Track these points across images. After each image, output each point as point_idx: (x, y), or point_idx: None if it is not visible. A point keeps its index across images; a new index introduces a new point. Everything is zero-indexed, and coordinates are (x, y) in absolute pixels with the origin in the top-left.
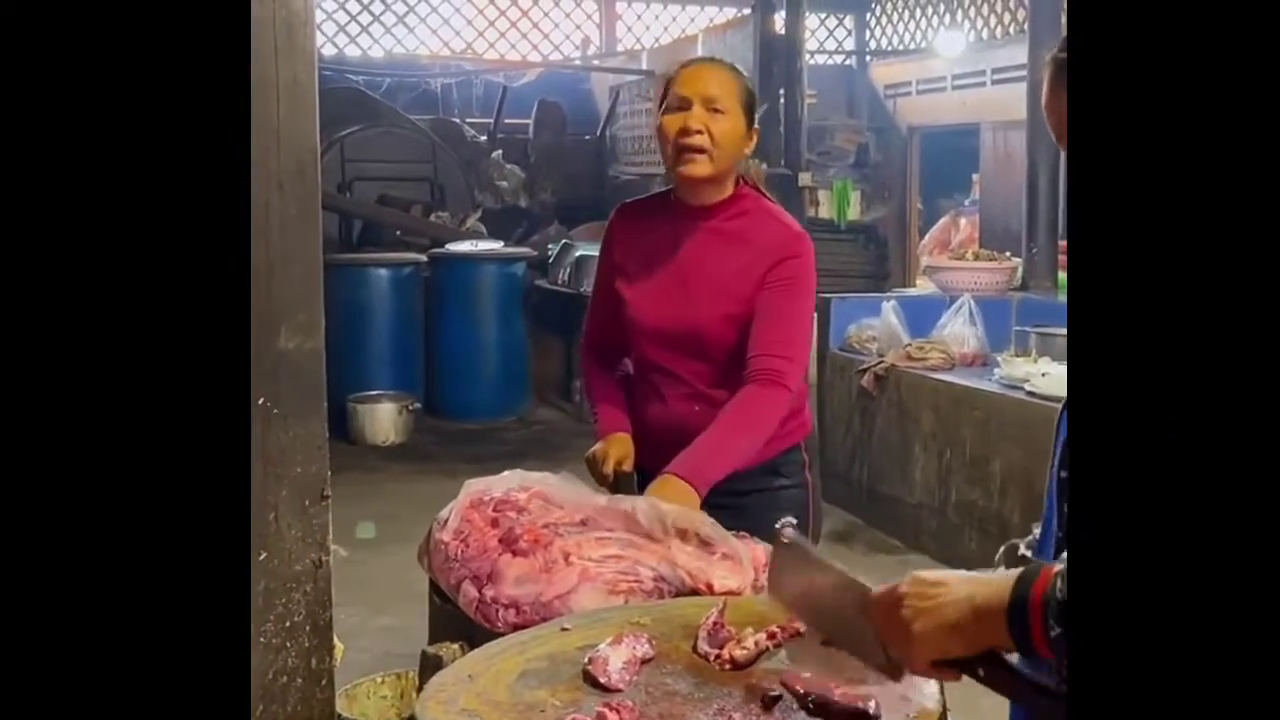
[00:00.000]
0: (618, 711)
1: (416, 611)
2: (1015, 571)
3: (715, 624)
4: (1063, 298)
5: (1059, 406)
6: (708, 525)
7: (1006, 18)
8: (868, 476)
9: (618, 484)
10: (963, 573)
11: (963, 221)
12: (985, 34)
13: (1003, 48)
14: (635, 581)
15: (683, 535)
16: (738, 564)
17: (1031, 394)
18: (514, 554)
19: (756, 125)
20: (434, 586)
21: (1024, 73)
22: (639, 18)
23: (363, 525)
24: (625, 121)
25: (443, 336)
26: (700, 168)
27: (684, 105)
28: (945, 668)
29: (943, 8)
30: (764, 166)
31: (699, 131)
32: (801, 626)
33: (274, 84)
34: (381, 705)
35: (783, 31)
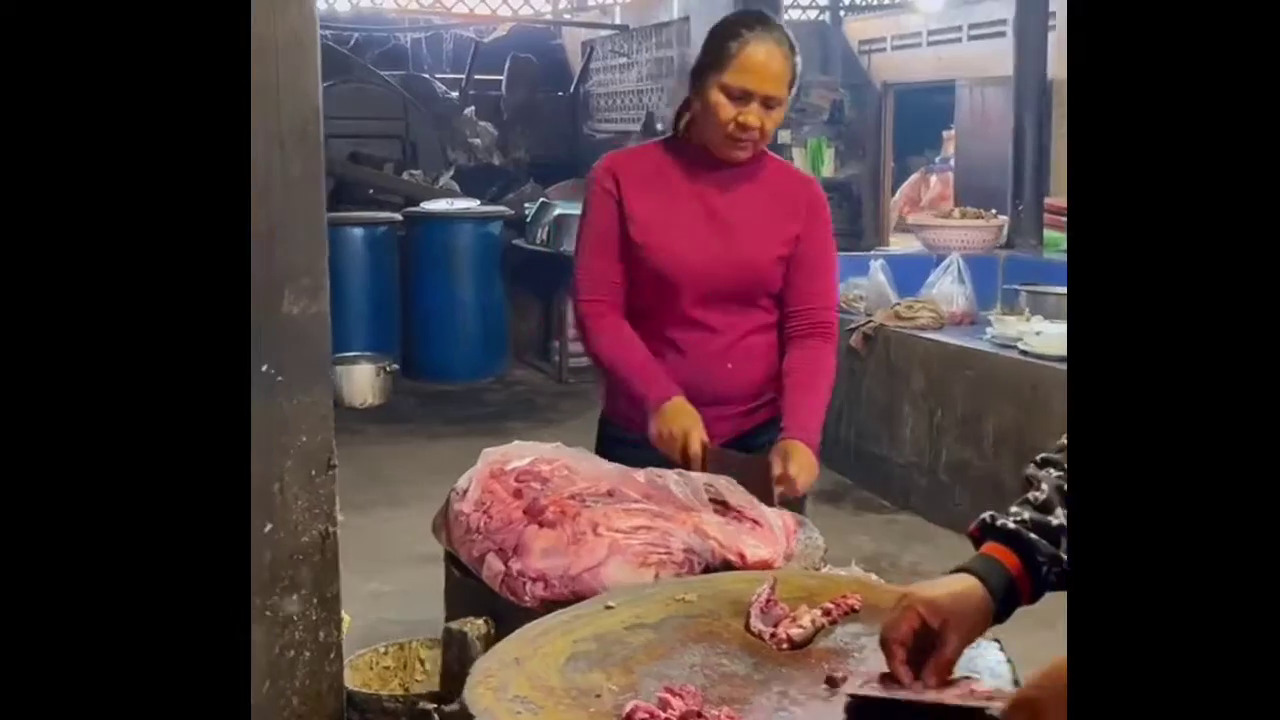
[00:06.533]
0: (680, 696)
1: (406, 576)
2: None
3: (768, 601)
4: (1049, 255)
5: (1053, 365)
6: (737, 492)
7: None
8: (856, 436)
9: (706, 463)
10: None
11: (933, 178)
12: None
13: (980, 3)
14: (665, 553)
15: (712, 504)
16: (768, 532)
17: (1025, 353)
18: (540, 525)
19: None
20: (451, 559)
21: (1002, 29)
22: None
23: None
24: (599, 78)
25: (419, 297)
26: (746, 153)
27: (744, 97)
28: None
29: None
30: None
31: (756, 128)
32: (857, 604)
33: (273, 41)
34: (384, 675)
35: None
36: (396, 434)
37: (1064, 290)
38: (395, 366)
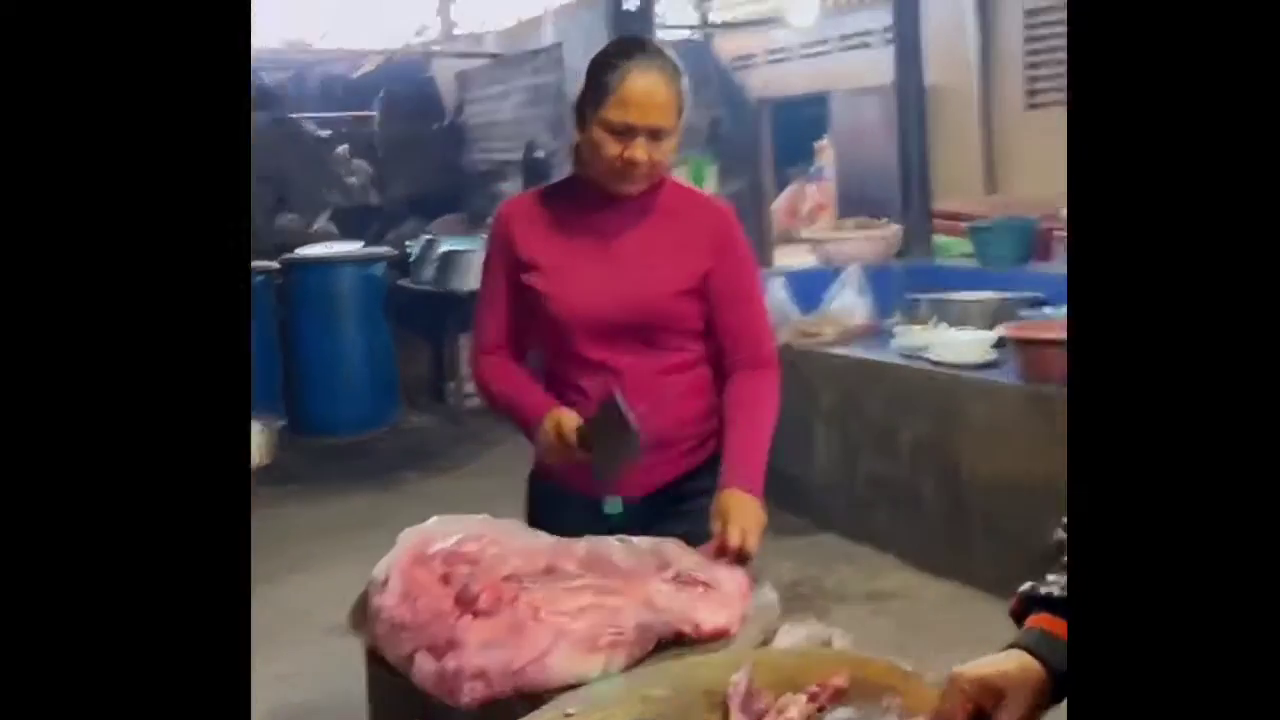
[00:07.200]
0: None
1: (308, 653)
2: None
3: (748, 693)
4: (942, 262)
5: (964, 373)
6: (685, 555)
7: None
8: (770, 458)
9: (589, 440)
10: None
11: (810, 189)
12: (830, 1)
13: (849, 15)
14: (616, 633)
15: (659, 570)
16: (721, 595)
17: (935, 362)
18: (474, 615)
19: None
20: (373, 657)
21: (870, 39)
22: None
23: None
24: (476, 109)
25: (301, 348)
26: (638, 187)
27: (627, 132)
28: None
29: None
30: None
31: (644, 162)
32: (843, 683)
33: None
34: None
35: (634, 8)
36: (287, 496)
37: (965, 296)
38: (281, 423)
